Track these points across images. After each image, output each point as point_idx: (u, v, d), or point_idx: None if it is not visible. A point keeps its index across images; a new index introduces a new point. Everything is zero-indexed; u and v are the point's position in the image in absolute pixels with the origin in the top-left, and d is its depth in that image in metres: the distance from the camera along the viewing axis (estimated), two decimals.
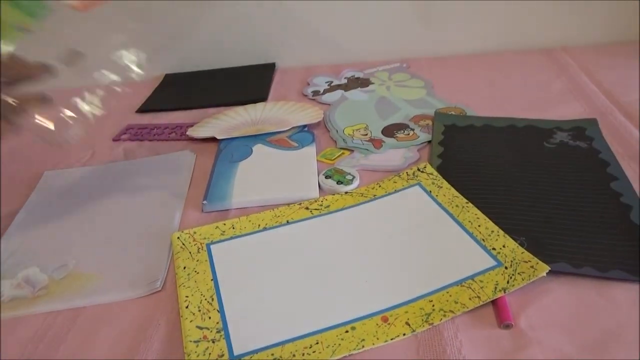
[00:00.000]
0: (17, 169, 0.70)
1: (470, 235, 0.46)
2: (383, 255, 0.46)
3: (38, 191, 0.63)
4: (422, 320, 0.39)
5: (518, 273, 0.41)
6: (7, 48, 0.47)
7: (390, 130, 0.66)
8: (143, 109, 0.83)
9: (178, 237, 0.51)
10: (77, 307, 0.46)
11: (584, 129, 0.61)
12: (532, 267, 0.42)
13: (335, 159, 0.62)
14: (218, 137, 0.68)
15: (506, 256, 0.43)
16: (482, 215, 0.48)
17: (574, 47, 0.85)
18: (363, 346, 0.38)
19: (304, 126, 0.69)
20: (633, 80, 0.71)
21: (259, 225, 0.52)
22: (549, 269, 0.41)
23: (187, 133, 0.71)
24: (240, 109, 0.76)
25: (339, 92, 0.80)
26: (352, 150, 0.63)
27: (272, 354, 0.38)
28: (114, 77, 0.81)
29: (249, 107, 0.76)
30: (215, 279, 0.46)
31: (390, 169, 0.59)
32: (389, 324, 0.39)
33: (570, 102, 0.69)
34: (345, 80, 0.84)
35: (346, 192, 0.55)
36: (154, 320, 0.43)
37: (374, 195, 0.54)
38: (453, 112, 0.69)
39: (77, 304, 0.46)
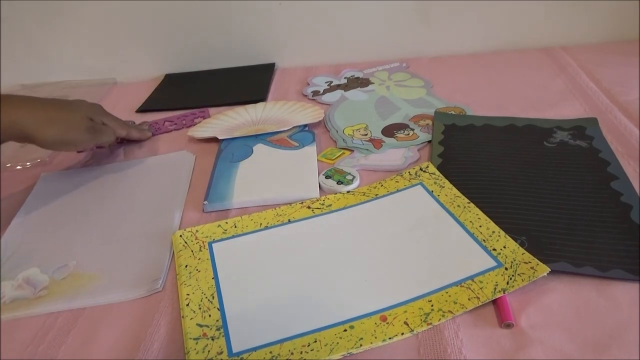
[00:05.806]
0: (17, 168, 0.70)
1: (471, 235, 0.46)
2: (383, 254, 0.46)
3: (37, 192, 0.63)
4: (421, 320, 0.39)
5: (518, 274, 0.41)
6: None
7: (390, 130, 0.66)
8: (143, 109, 0.83)
9: (180, 236, 0.51)
10: (78, 307, 0.46)
11: (584, 128, 0.61)
12: (532, 268, 0.42)
13: (335, 159, 0.62)
14: (219, 137, 0.68)
15: (506, 257, 0.43)
16: (484, 216, 0.48)
17: (574, 47, 0.85)
18: (361, 345, 0.38)
19: (305, 126, 0.69)
20: (633, 79, 0.71)
21: (261, 224, 0.52)
22: (549, 270, 0.41)
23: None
24: (240, 109, 0.76)
25: (338, 92, 0.80)
26: (352, 150, 0.63)
27: (271, 352, 0.38)
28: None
29: (249, 107, 0.76)
30: (216, 277, 0.46)
31: (390, 169, 0.59)
32: (387, 323, 0.39)
33: (570, 101, 0.69)
34: (345, 80, 0.84)
35: (348, 192, 0.55)
36: (154, 320, 0.43)
37: (376, 195, 0.54)
38: (453, 112, 0.69)
39: (78, 304, 0.46)
